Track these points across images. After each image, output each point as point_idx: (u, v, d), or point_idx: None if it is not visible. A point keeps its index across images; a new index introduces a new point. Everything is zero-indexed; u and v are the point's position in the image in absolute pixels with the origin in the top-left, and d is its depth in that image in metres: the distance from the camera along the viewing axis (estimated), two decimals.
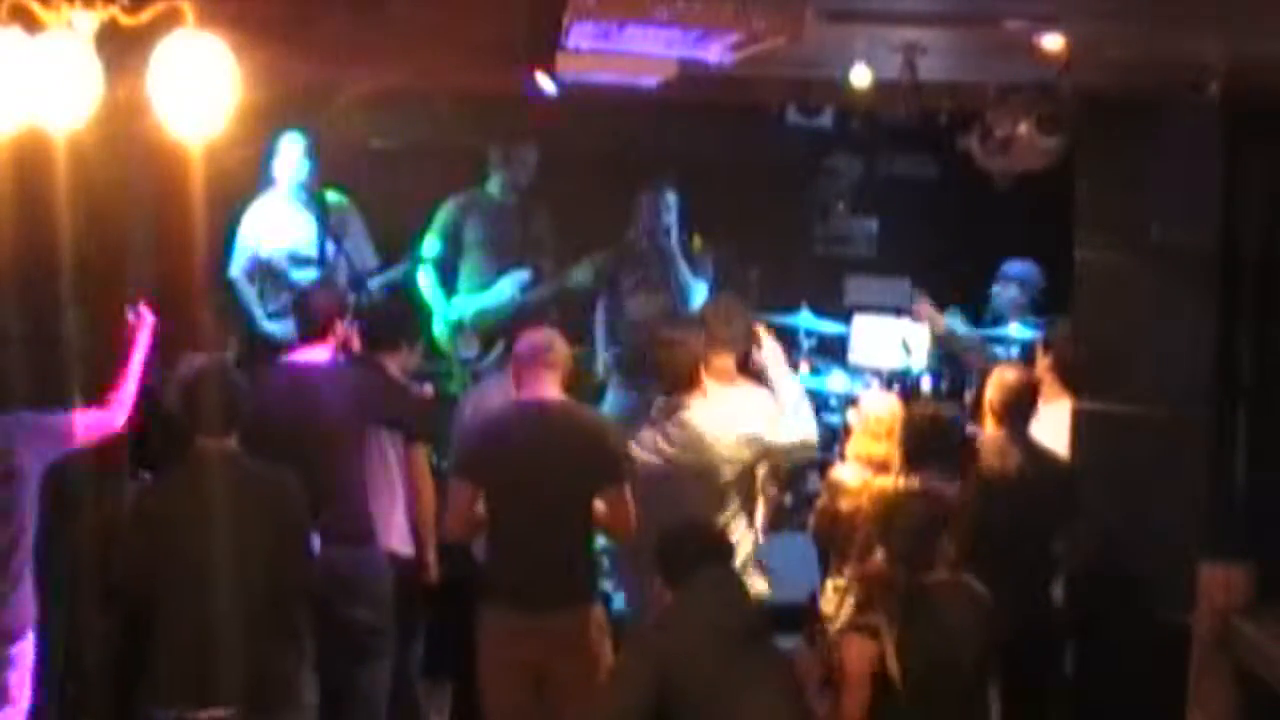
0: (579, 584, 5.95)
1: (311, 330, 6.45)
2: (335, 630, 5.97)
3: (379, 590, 6.20)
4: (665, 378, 6.31)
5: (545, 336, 6.13)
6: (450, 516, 6.06)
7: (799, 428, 6.38)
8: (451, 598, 6.41)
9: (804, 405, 6.50)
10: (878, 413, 6.46)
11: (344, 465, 6.17)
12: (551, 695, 5.86)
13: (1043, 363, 7.09)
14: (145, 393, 6.29)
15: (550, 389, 5.98)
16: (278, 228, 8.42)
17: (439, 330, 8.62)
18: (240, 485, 5.41)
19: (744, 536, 6.22)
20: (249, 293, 8.37)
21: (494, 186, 8.71)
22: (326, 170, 8.49)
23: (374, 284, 8.46)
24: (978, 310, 8.64)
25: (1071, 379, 6.84)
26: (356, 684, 6.12)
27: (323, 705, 5.86)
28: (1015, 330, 8.31)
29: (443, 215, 8.69)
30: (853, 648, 4.98)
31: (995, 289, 8.49)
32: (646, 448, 6.19)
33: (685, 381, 6.24)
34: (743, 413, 6.31)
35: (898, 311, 9.05)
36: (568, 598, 5.89)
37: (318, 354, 6.41)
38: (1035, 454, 6.43)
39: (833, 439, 8.48)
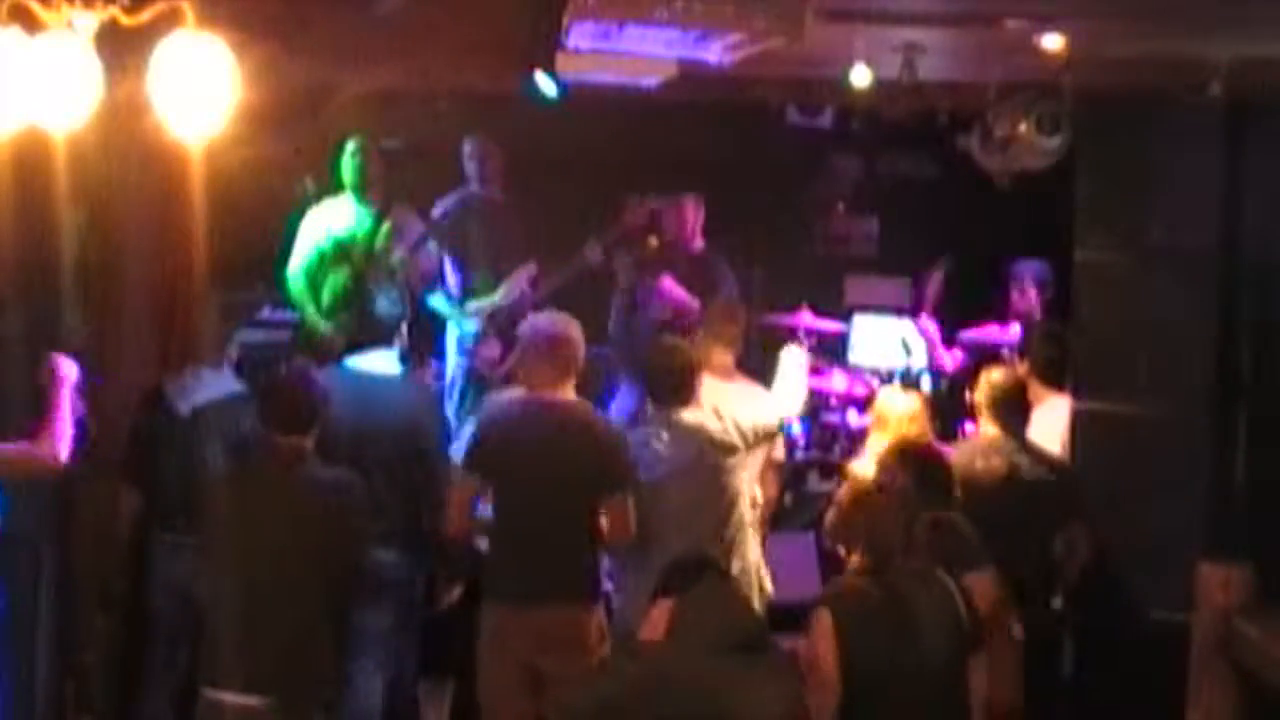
0: (578, 584, 5.92)
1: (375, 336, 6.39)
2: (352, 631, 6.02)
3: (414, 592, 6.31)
4: (659, 383, 6.21)
5: (559, 328, 6.00)
6: (451, 509, 6.01)
7: (769, 407, 6.41)
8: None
9: (790, 406, 6.57)
10: (896, 411, 6.45)
11: (404, 472, 6.16)
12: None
13: (1020, 367, 7.07)
14: (147, 397, 6.29)
15: (563, 389, 5.93)
16: (341, 227, 8.27)
17: (453, 334, 8.46)
18: (303, 486, 5.43)
19: (750, 538, 6.22)
20: (303, 289, 8.11)
21: (474, 184, 8.57)
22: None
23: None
24: (981, 310, 8.64)
25: (1055, 374, 6.84)
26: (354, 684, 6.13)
27: None
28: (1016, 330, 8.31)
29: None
30: (818, 624, 4.90)
31: (1014, 294, 8.42)
32: (638, 448, 6.10)
33: (680, 389, 6.15)
34: (732, 403, 6.28)
35: (898, 311, 9.05)
36: (565, 597, 5.87)
37: (382, 360, 6.34)
38: (1031, 453, 6.42)
39: (832, 439, 8.48)
